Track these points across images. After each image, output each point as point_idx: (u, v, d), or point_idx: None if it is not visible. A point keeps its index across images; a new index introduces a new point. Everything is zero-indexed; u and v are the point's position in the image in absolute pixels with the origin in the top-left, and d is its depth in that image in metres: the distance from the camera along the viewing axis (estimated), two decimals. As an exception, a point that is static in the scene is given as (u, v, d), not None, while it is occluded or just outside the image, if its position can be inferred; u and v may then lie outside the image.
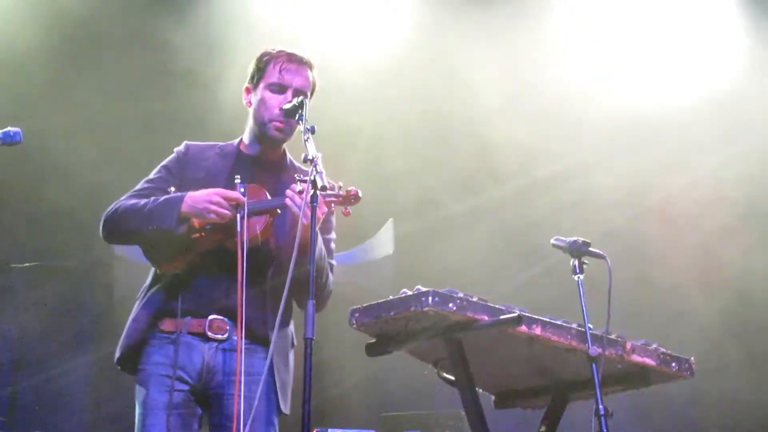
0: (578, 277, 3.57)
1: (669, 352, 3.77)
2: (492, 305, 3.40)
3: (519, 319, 3.35)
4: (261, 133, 3.71)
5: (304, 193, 3.27)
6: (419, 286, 3.36)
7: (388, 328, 3.50)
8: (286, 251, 3.41)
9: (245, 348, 3.48)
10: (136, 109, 7.03)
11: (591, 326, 3.48)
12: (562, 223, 6.83)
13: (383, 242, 7.19)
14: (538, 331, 3.43)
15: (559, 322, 3.51)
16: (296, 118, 3.53)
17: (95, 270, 7.06)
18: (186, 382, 3.48)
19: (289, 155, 3.80)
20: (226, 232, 3.47)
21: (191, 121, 6.97)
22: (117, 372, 3.64)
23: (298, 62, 3.73)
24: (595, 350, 3.41)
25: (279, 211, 3.52)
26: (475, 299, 3.38)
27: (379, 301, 3.45)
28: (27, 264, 6.75)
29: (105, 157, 6.82)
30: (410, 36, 7.40)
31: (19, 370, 6.84)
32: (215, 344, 3.50)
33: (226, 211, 3.45)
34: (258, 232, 3.49)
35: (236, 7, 7.25)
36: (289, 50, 3.76)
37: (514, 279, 7.05)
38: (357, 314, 3.49)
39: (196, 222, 3.49)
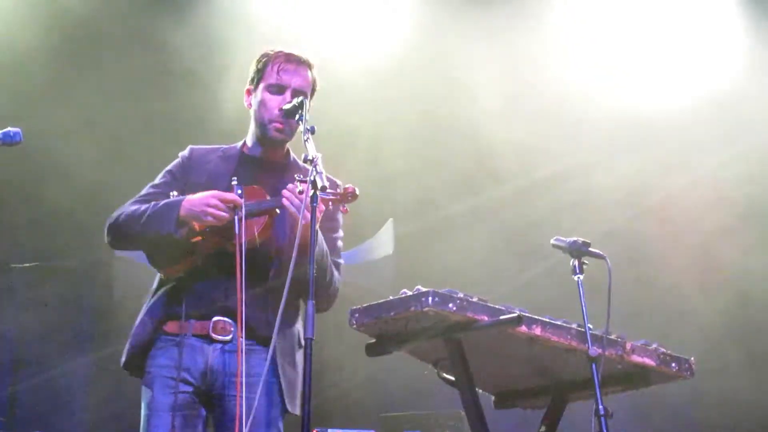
0: (578, 278, 3.57)
1: (669, 352, 3.77)
2: (492, 305, 3.40)
3: (519, 320, 3.34)
4: (262, 135, 3.72)
5: (304, 193, 3.27)
6: (419, 287, 3.36)
7: (388, 329, 3.50)
8: (286, 251, 3.42)
9: (249, 349, 3.49)
10: (136, 109, 7.03)
11: (591, 326, 3.48)
12: (562, 223, 6.83)
13: (383, 242, 7.19)
14: (538, 331, 3.43)
15: (559, 323, 3.51)
16: (296, 118, 3.54)
17: (95, 270, 7.06)
18: (190, 384, 3.49)
19: (293, 155, 3.79)
20: (225, 235, 3.47)
21: (191, 121, 6.98)
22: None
23: (296, 62, 3.73)
24: (595, 350, 3.41)
25: (278, 212, 3.52)
26: (475, 299, 3.38)
27: (379, 301, 3.45)
28: (27, 264, 6.75)
29: (105, 157, 6.82)
30: (410, 36, 7.40)
31: (19, 370, 6.84)
32: (219, 346, 3.51)
33: (223, 214, 3.46)
34: (256, 233, 3.50)
35: (236, 7, 7.25)
36: (288, 50, 3.76)
37: (514, 279, 7.05)
38: (357, 314, 3.49)
39: (196, 225, 3.50)
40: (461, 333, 3.43)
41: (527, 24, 7.42)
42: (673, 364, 3.76)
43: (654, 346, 3.74)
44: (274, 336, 3.27)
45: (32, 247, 6.94)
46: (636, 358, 3.67)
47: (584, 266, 3.60)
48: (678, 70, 7.51)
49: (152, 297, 3.62)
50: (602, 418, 3.35)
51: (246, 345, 3.49)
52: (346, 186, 3.42)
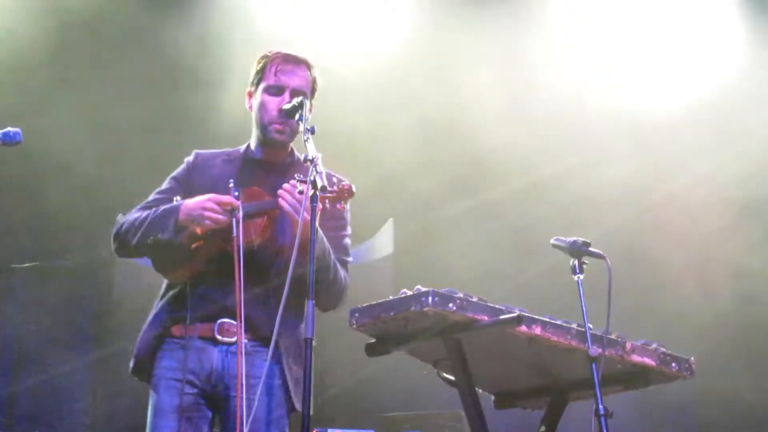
0: (578, 277, 3.58)
1: (669, 352, 3.77)
2: (492, 305, 3.40)
3: (519, 319, 3.34)
4: (263, 137, 3.73)
5: (304, 193, 3.27)
6: (419, 286, 3.36)
7: (388, 329, 3.50)
8: (287, 251, 3.42)
9: (254, 350, 3.51)
10: (136, 109, 7.03)
11: (591, 326, 3.48)
12: (562, 223, 6.83)
13: (383, 242, 7.20)
14: (537, 331, 3.43)
15: (558, 322, 3.51)
16: (296, 118, 3.53)
17: (95, 270, 7.06)
18: (196, 386, 3.51)
19: (297, 154, 3.78)
20: (226, 237, 3.47)
21: (192, 120, 6.98)
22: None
23: (294, 62, 3.73)
24: (594, 350, 3.41)
25: (279, 212, 3.52)
26: (474, 299, 3.38)
27: (379, 301, 3.45)
28: (27, 264, 6.75)
29: (105, 157, 6.82)
30: (410, 36, 7.40)
31: (19, 370, 6.84)
32: (225, 347, 3.51)
33: (220, 217, 3.46)
34: (255, 234, 3.50)
35: (236, 7, 7.25)
36: (286, 51, 3.76)
37: (514, 279, 7.05)
38: (357, 314, 3.49)
39: (198, 230, 3.51)
40: (461, 333, 3.43)
41: (527, 25, 7.42)
42: (673, 364, 3.76)
43: (654, 345, 3.74)
44: (274, 336, 3.27)
45: (32, 247, 6.94)
46: (636, 358, 3.67)
47: (584, 266, 3.61)
48: (677, 71, 7.52)
49: (159, 302, 3.64)
50: (602, 418, 3.35)
51: (250, 346, 3.51)
52: (343, 183, 3.40)
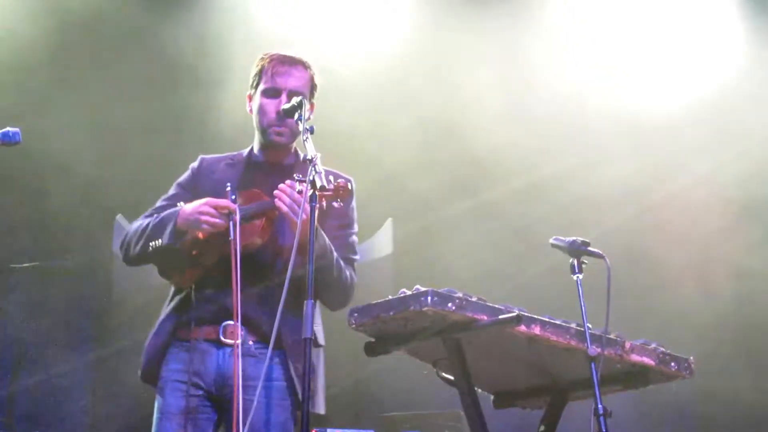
0: (577, 277, 3.58)
1: (668, 351, 3.77)
2: (491, 305, 3.41)
3: (518, 319, 3.35)
4: (264, 140, 3.75)
5: (303, 193, 3.27)
6: (418, 286, 3.36)
7: (387, 328, 3.50)
8: (287, 251, 3.43)
9: (258, 353, 3.53)
10: (136, 109, 7.02)
11: (590, 326, 3.48)
12: (562, 223, 6.82)
13: (382, 242, 7.19)
14: (537, 330, 3.43)
15: (558, 322, 3.51)
16: (295, 118, 3.54)
17: (95, 270, 7.05)
18: (201, 388, 3.53)
19: (301, 154, 3.77)
20: (225, 241, 3.48)
21: (192, 120, 6.97)
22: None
23: (290, 63, 3.73)
24: (594, 350, 3.41)
25: (277, 212, 3.52)
26: (474, 299, 3.38)
27: (378, 301, 3.45)
28: (27, 264, 6.74)
29: (105, 157, 6.81)
30: (410, 36, 7.40)
31: (19, 370, 6.83)
32: (230, 350, 3.52)
33: (217, 220, 3.47)
34: (254, 235, 3.51)
35: (236, 7, 7.25)
36: (282, 52, 3.76)
37: (513, 279, 7.05)
38: (356, 314, 3.49)
39: (200, 234, 3.52)
40: (460, 332, 3.43)
41: (527, 25, 7.42)
42: (673, 364, 3.76)
43: (653, 345, 3.75)
44: (273, 336, 3.27)
45: (32, 247, 6.94)
46: (635, 358, 3.68)
47: (583, 266, 3.61)
48: (677, 71, 7.52)
49: (166, 307, 3.67)
50: (601, 418, 3.35)
51: (255, 348, 3.53)
52: (338, 180, 3.40)
